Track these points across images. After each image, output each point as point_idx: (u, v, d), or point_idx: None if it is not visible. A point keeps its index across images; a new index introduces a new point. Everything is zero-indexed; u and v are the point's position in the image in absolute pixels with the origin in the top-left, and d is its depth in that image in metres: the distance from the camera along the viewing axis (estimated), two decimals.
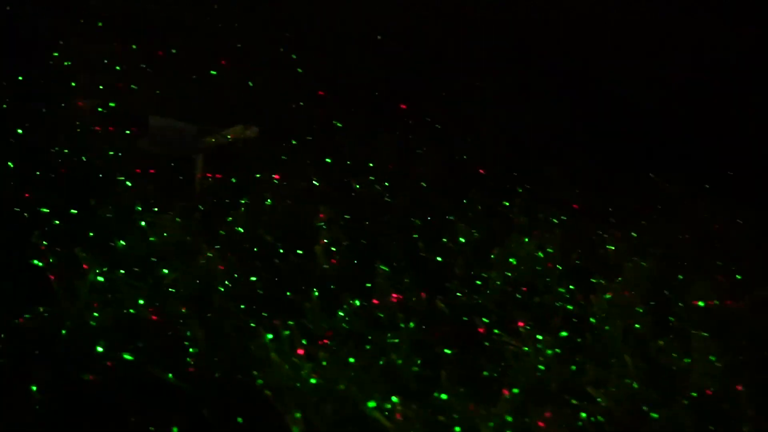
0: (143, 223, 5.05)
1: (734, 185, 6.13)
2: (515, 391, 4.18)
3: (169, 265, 4.78)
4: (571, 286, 4.98)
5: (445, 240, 5.36)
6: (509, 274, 5.00)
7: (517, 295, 4.90)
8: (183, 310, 4.42)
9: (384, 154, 6.13)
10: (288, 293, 4.68)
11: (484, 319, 4.65)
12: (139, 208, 5.18)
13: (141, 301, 4.43)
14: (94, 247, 4.72)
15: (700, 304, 5.01)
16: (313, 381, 4.03)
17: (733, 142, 6.47)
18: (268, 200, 5.46)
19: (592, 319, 4.78)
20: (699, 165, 6.24)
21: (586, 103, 6.83)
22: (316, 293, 4.53)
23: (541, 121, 6.64)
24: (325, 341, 4.31)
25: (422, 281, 4.95)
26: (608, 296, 4.86)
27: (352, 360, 4.22)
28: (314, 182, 5.77)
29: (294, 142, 6.18)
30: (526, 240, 5.20)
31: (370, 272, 4.90)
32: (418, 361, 4.35)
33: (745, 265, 5.47)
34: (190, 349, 4.24)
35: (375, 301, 4.66)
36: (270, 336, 4.21)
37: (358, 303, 4.59)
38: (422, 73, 7.05)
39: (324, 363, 4.16)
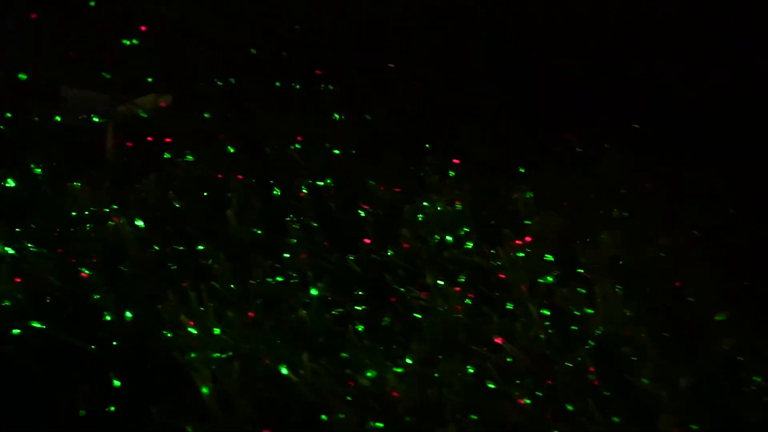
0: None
1: (641, 139, 6.28)
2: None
3: (80, 233, 4.79)
4: (480, 241, 5.08)
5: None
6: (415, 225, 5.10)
7: (427, 251, 4.99)
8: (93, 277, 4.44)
9: (298, 119, 6.16)
10: (198, 258, 4.72)
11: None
12: (49, 178, 5.18)
13: (50, 270, 4.43)
14: (3, 218, 4.71)
15: (606, 253, 5.15)
16: (221, 340, 4.09)
17: (640, 97, 6.62)
18: (180, 162, 5.48)
19: (500, 272, 4.89)
20: (607, 120, 6.38)
21: (497, 62, 6.92)
22: (224, 256, 4.58)
23: (454, 81, 6.71)
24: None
25: (335, 241, 5.02)
26: (516, 250, 4.98)
27: (261, 319, 4.29)
28: (228, 148, 5.77)
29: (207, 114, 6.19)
30: (437, 198, 5.29)
31: (283, 235, 4.95)
32: (328, 317, 4.43)
33: (650, 216, 5.62)
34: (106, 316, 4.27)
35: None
36: (179, 299, 4.26)
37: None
38: (336, 37, 7.06)
39: (233, 323, 4.22)
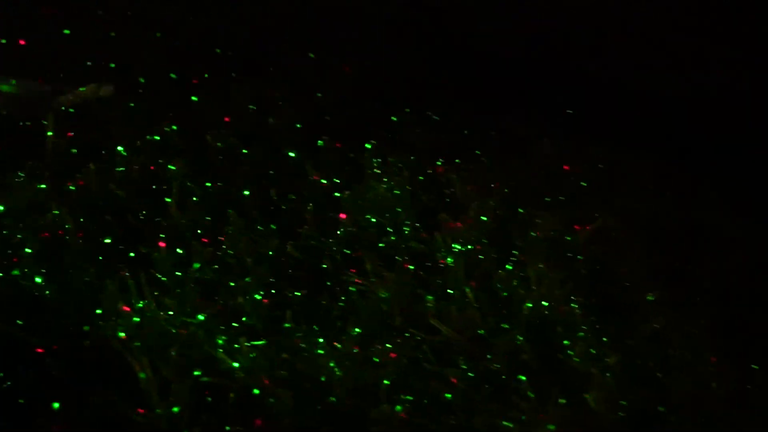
0: None
1: (577, 125, 6.40)
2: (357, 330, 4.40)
3: (19, 223, 4.80)
4: (417, 226, 5.17)
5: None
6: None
7: (366, 237, 5.07)
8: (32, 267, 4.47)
9: (239, 106, 6.20)
10: (138, 246, 4.77)
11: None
12: None
13: None
14: None
15: (541, 236, 5.27)
16: (159, 327, 4.14)
17: (577, 83, 6.74)
18: (122, 153, 5.50)
19: (438, 255, 4.98)
20: (544, 106, 6.49)
21: (437, 49, 7.01)
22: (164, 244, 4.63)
23: (394, 68, 6.79)
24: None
25: (275, 228, 5.09)
26: (453, 234, 5.07)
27: (200, 306, 4.35)
28: (169, 137, 5.79)
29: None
30: (375, 183, 5.36)
31: (224, 222, 5.00)
32: (267, 303, 4.50)
33: (585, 200, 5.75)
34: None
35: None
36: (117, 287, 4.31)
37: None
38: (277, 26, 7.10)
39: (171, 311, 4.28)
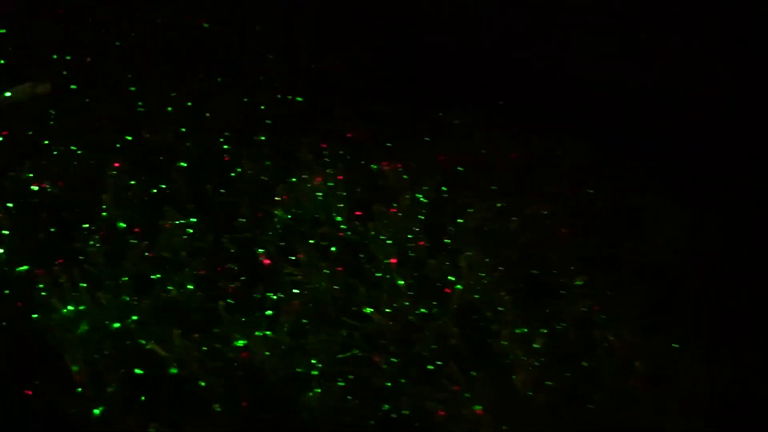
0: None
1: (509, 113, 6.51)
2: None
3: None
4: (352, 216, 5.28)
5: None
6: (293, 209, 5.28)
7: (300, 229, 5.16)
8: None
9: (176, 101, 6.25)
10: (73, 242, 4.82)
11: (265, 249, 4.92)
12: None
13: None
14: None
15: (472, 224, 5.39)
16: (92, 320, 4.21)
17: (513, 75, 6.84)
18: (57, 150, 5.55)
19: (370, 245, 5.09)
20: (477, 96, 6.59)
21: (372, 40, 7.08)
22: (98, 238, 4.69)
23: (332, 60, 6.86)
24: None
25: (210, 222, 5.16)
26: (386, 224, 5.18)
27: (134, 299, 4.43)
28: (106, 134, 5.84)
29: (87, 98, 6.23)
30: (310, 176, 5.45)
31: (159, 217, 5.06)
32: (201, 295, 4.59)
33: (517, 188, 5.87)
34: None
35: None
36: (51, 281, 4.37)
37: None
38: (217, 19, 7.13)
39: (105, 303, 4.35)
